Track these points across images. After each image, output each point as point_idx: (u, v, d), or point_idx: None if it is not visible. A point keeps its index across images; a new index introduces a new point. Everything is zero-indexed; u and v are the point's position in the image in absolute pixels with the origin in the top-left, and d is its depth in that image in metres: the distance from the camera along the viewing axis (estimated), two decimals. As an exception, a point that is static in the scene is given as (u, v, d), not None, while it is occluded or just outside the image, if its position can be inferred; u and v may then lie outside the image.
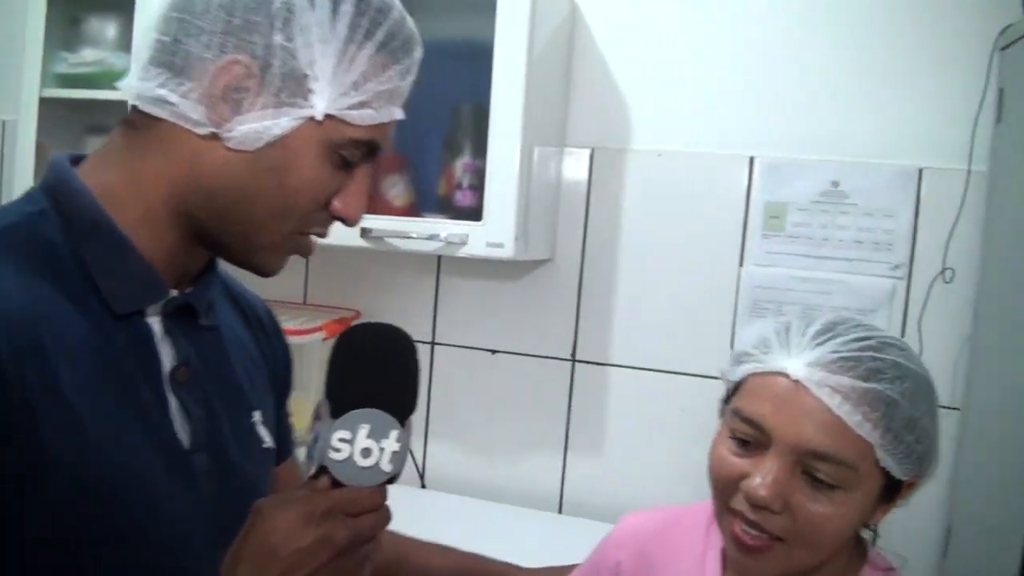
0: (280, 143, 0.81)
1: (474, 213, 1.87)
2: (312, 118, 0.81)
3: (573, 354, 2.13)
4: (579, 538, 1.96)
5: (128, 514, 0.77)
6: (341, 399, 0.81)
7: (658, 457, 2.07)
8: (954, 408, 1.84)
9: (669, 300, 2.04)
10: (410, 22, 0.88)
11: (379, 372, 0.83)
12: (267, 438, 0.97)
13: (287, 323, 2.02)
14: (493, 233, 1.83)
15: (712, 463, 0.97)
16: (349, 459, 0.79)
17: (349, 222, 0.88)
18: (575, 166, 2.10)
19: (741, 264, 1.98)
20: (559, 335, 2.14)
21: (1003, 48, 1.74)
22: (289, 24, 0.79)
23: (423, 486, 2.25)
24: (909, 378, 0.93)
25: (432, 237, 1.86)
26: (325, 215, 0.87)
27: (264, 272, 0.88)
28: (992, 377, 1.69)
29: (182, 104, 0.80)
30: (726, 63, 1.99)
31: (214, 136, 0.81)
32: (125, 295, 0.81)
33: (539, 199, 1.97)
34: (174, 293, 0.86)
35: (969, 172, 1.80)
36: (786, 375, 0.91)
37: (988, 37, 1.76)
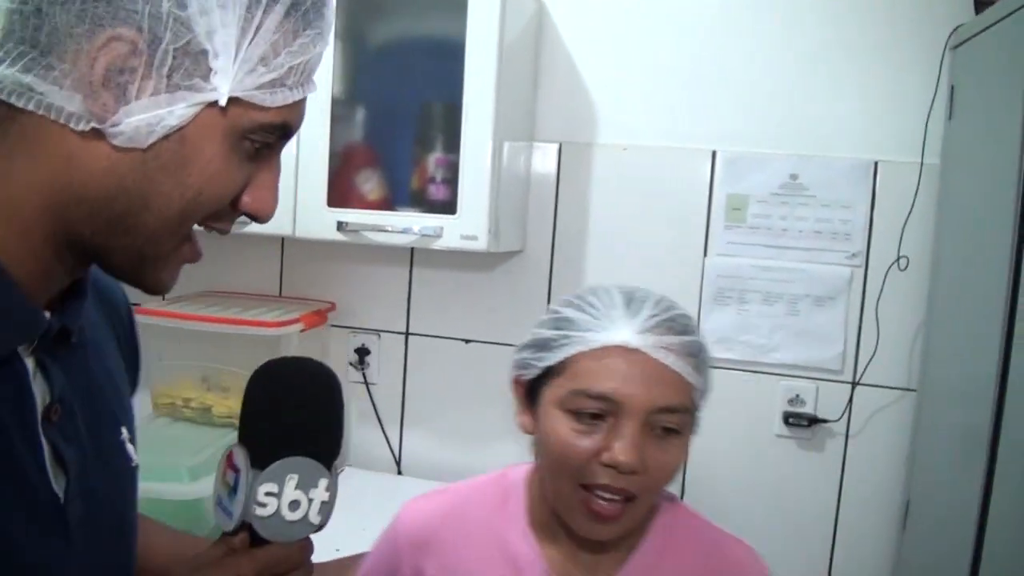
0: (176, 135, 0.66)
1: (448, 207, 1.92)
2: (215, 103, 0.66)
3: (544, 343, 2.20)
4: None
5: None
6: (262, 446, 0.73)
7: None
8: (911, 389, 1.94)
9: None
10: None
11: (303, 414, 0.75)
12: (133, 455, 0.84)
13: (264, 316, 2.07)
14: (467, 226, 1.89)
15: (559, 448, 0.98)
16: (276, 514, 0.73)
17: (261, 219, 0.73)
18: (544, 160, 2.17)
19: (705, 254, 2.05)
20: (531, 324, 2.20)
21: (955, 47, 1.82)
22: None
23: (399, 472, 2.31)
24: (696, 324, 1.05)
25: (407, 230, 1.91)
26: (228, 212, 0.72)
27: (155, 291, 0.72)
28: (946, 360, 1.78)
29: (52, 93, 0.63)
30: (688, 60, 2.06)
31: (96, 133, 0.64)
32: (8, 336, 0.67)
33: (510, 192, 2.02)
34: (47, 315, 0.70)
35: (922, 165, 1.90)
36: (623, 346, 0.96)
37: (940, 36, 1.85)
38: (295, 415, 0.75)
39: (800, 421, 2.01)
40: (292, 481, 0.73)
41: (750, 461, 2.07)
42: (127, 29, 0.62)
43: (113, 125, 0.64)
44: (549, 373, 1.01)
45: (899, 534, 1.93)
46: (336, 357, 2.31)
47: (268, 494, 0.72)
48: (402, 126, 2.08)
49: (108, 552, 0.75)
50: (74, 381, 0.73)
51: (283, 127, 0.70)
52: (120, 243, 0.68)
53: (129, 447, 0.83)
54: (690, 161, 2.06)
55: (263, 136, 0.69)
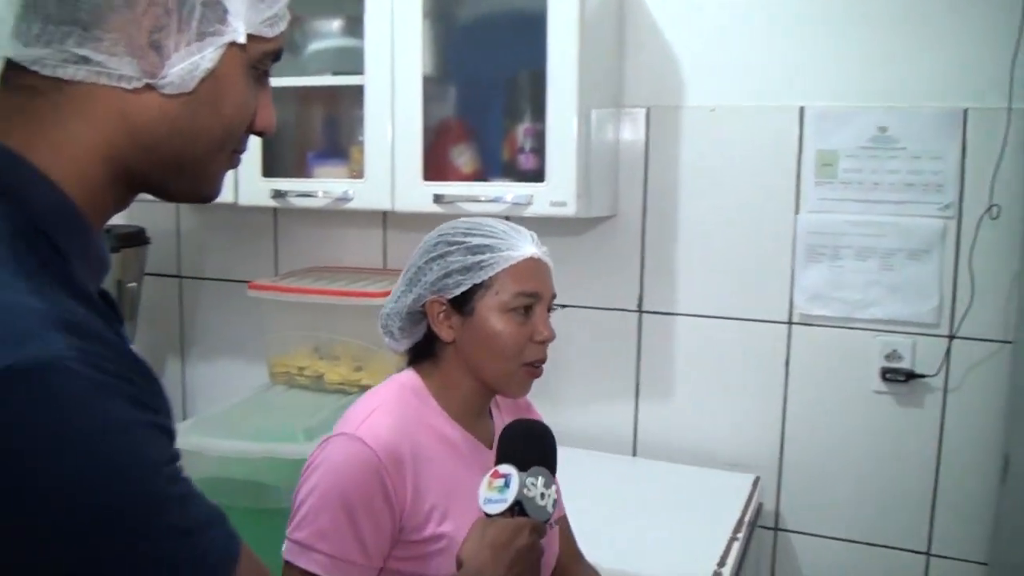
0: (211, 76, 0.77)
1: (537, 175, 2.01)
2: (234, 42, 0.78)
3: (639, 305, 2.26)
4: (653, 479, 2.13)
5: None
6: (523, 461, 1.18)
7: (725, 399, 2.20)
8: (1008, 342, 1.93)
9: (729, 249, 2.16)
10: None
11: (544, 449, 1.24)
12: None
13: (369, 287, 2.20)
14: (556, 193, 1.97)
15: (505, 340, 1.28)
16: (534, 498, 1.16)
17: (268, 134, 0.87)
18: (633, 125, 2.22)
19: (797, 212, 2.08)
20: (625, 287, 2.28)
21: (1043, -14, 1.80)
22: None
23: (502, 435, 2.42)
24: None
25: (498, 199, 2.00)
26: (246, 135, 0.86)
27: (208, 199, 0.87)
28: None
29: (107, 61, 0.73)
30: (773, 16, 2.07)
31: (146, 87, 0.75)
32: (93, 273, 0.79)
33: (599, 158, 2.09)
34: None
35: (1010, 111, 1.87)
36: (532, 257, 1.31)
37: (1027, -25, 1.83)
38: (541, 447, 1.24)
39: (897, 376, 2.02)
40: (542, 479, 1.18)
41: (848, 418, 2.09)
42: None
43: (162, 78, 0.75)
44: (477, 288, 1.29)
45: (998, 488, 1.93)
46: (439, 325, 2.42)
47: (532, 484, 1.16)
48: (491, 99, 2.18)
49: None
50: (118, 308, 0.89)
51: (278, 52, 0.84)
52: (175, 175, 0.81)
53: None
54: (778, 119, 2.08)
55: (265, 63, 0.83)
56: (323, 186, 2.22)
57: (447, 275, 1.29)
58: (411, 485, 1.23)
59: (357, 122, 2.20)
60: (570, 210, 1.96)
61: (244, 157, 2.12)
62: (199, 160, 0.81)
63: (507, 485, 1.16)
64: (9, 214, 0.71)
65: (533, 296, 1.30)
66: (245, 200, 2.27)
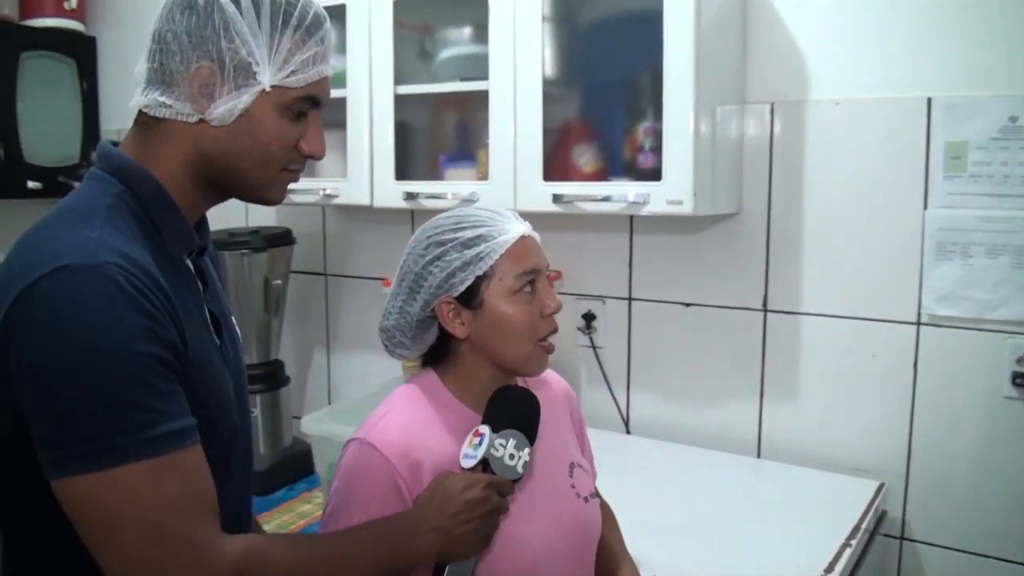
0: (247, 114, 1.13)
1: (655, 174, 2.03)
2: (263, 90, 1.13)
3: (764, 304, 2.25)
4: (775, 481, 2.12)
5: (212, 381, 1.14)
6: (499, 423, 1.28)
7: (851, 401, 2.16)
8: None
9: (856, 247, 2.12)
10: (316, 2, 1.18)
11: (523, 415, 1.31)
12: (236, 327, 1.33)
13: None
14: (672, 191, 1.98)
15: (519, 322, 1.33)
16: (502, 458, 1.25)
17: (316, 156, 1.21)
18: (757, 121, 2.22)
19: (925, 207, 2.02)
20: (750, 286, 2.27)
21: None
22: (228, 31, 1.11)
23: (628, 432, 2.46)
24: None
25: (615, 199, 2.05)
26: (297, 155, 1.19)
27: (270, 203, 1.23)
28: None
29: (176, 104, 1.12)
30: (897, 5, 2.03)
31: (202, 121, 1.13)
32: (179, 245, 1.17)
33: (721, 155, 2.10)
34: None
35: None
36: (522, 235, 1.35)
37: None
38: (517, 411, 1.31)
39: (1031, 381, 1.93)
40: (513, 441, 1.27)
41: (977, 425, 2.02)
42: (206, 61, 1.12)
43: (210, 115, 1.13)
44: (480, 280, 1.33)
45: None
46: (564, 322, 2.46)
47: (500, 444, 1.26)
48: (612, 99, 2.22)
49: (238, 371, 1.27)
50: (209, 277, 1.26)
51: (311, 98, 1.17)
52: (234, 181, 1.18)
53: (232, 319, 1.32)
54: (905, 111, 2.03)
55: (300, 105, 1.17)
56: (451, 188, 2.32)
57: (450, 275, 1.33)
58: (426, 483, 1.28)
59: (484, 126, 2.28)
60: (686, 208, 1.97)
61: (379, 159, 2.33)
62: (248, 171, 1.17)
63: (480, 443, 1.25)
64: (131, 199, 1.13)
65: (533, 272, 1.35)
66: (379, 202, 2.40)
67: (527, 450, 1.27)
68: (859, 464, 2.15)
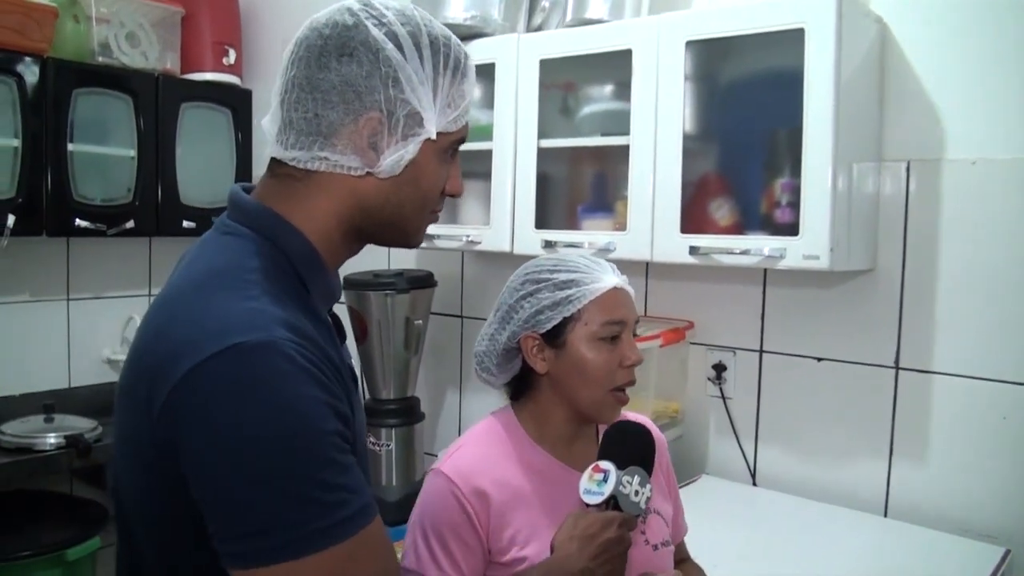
0: (412, 162, 1.11)
1: (792, 228, 2.13)
2: (429, 138, 1.11)
3: (896, 361, 2.32)
4: (904, 542, 2.16)
5: (361, 438, 1.14)
6: (621, 460, 1.33)
7: (980, 464, 2.19)
8: None
9: (989, 307, 2.17)
10: (457, 40, 1.16)
11: (643, 451, 1.37)
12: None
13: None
14: (809, 246, 2.08)
15: (596, 367, 1.42)
16: (628, 495, 1.31)
17: (457, 195, 1.20)
18: (893, 179, 2.30)
19: (1063, 268, 2.07)
20: (882, 343, 2.34)
21: None
22: (397, 80, 1.07)
23: (754, 484, 2.53)
24: None
25: (753, 252, 2.15)
26: (441, 197, 1.18)
27: (414, 246, 1.23)
28: None
29: (340, 158, 1.08)
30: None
31: (367, 174, 1.09)
32: (324, 301, 1.15)
33: (857, 212, 2.19)
34: None
35: None
36: (615, 287, 1.45)
37: None
38: (641, 449, 1.37)
39: None
40: (637, 478, 1.32)
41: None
42: (374, 112, 1.08)
43: (378, 168, 1.10)
44: (567, 321, 1.43)
45: None
46: (694, 372, 2.60)
47: (627, 481, 1.31)
48: (751, 155, 2.34)
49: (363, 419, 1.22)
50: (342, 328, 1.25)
51: (463, 138, 1.17)
52: (389, 231, 1.16)
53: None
54: (1043, 171, 2.10)
55: (453, 148, 1.16)
56: (588, 237, 2.46)
57: (539, 312, 1.43)
58: (494, 513, 1.39)
59: (622, 178, 2.42)
60: (823, 263, 2.06)
61: (520, 208, 2.48)
62: (407, 220, 1.16)
63: (605, 480, 1.30)
64: (277, 256, 1.09)
65: (620, 324, 1.43)
66: (519, 249, 2.57)
67: (649, 486, 1.33)
68: (986, 529, 2.17)
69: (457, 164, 1.19)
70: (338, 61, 1.07)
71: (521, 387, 1.53)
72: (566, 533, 1.29)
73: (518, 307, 1.46)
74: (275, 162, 1.13)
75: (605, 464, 1.32)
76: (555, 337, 1.44)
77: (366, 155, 1.08)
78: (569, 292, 1.43)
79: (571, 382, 1.45)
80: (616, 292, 1.45)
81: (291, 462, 0.93)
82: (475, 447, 1.48)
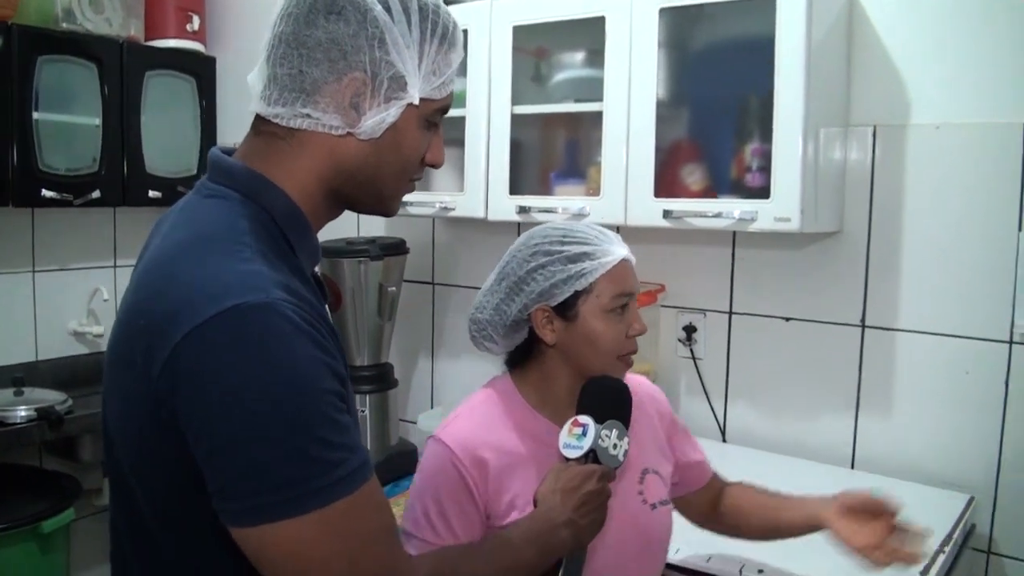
0: (392, 127, 1.11)
1: (763, 192, 2.21)
2: (411, 103, 1.11)
3: (863, 320, 2.42)
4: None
5: (351, 397, 1.11)
6: (600, 413, 1.37)
7: (943, 417, 2.31)
8: None
9: (952, 266, 2.28)
10: (447, 9, 1.16)
11: (620, 404, 1.41)
12: None
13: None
14: (780, 209, 2.16)
15: (607, 339, 1.47)
16: (607, 448, 1.35)
17: (437, 165, 1.21)
18: (859, 143, 2.40)
19: (1020, 228, 2.17)
20: (849, 302, 2.44)
21: None
22: (383, 41, 1.08)
23: (724, 440, 2.63)
24: None
25: (724, 215, 2.23)
26: (421, 166, 1.19)
27: (389, 214, 1.22)
28: None
29: (322, 116, 1.09)
30: (997, 32, 2.18)
31: (347, 134, 1.10)
32: (310, 262, 1.16)
33: (825, 176, 2.27)
34: None
35: None
36: (624, 259, 1.48)
37: None
38: (618, 402, 1.41)
39: None
40: (615, 431, 1.36)
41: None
42: (358, 72, 1.08)
43: (359, 128, 1.10)
44: (579, 294, 1.46)
45: None
46: (666, 334, 2.68)
47: (606, 435, 1.35)
48: (722, 121, 2.41)
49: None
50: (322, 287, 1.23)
51: (446, 108, 1.18)
52: (365, 193, 1.17)
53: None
54: (1001, 135, 2.19)
55: (435, 116, 1.17)
56: (562, 203, 2.52)
57: (553, 285, 1.45)
58: (492, 479, 1.44)
59: (595, 144, 2.49)
60: (794, 225, 2.13)
61: (494, 175, 2.51)
62: (385, 184, 1.17)
63: (584, 434, 1.35)
64: (263, 216, 1.10)
65: (628, 296, 1.48)
66: (493, 216, 2.62)
67: (626, 439, 1.37)
68: (950, 478, 2.28)
69: (440, 134, 1.20)
70: (326, 19, 1.08)
71: (523, 356, 1.56)
72: (548, 486, 1.33)
73: (529, 279, 1.47)
74: (259, 119, 1.14)
75: (584, 419, 1.36)
76: (567, 309, 1.47)
77: (347, 115, 1.09)
78: (582, 266, 1.45)
79: (581, 351, 1.48)
80: (624, 264, 1.49)
81: (291, 420, 0.95)
82: (474, 415, 1.52)
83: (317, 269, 1.24)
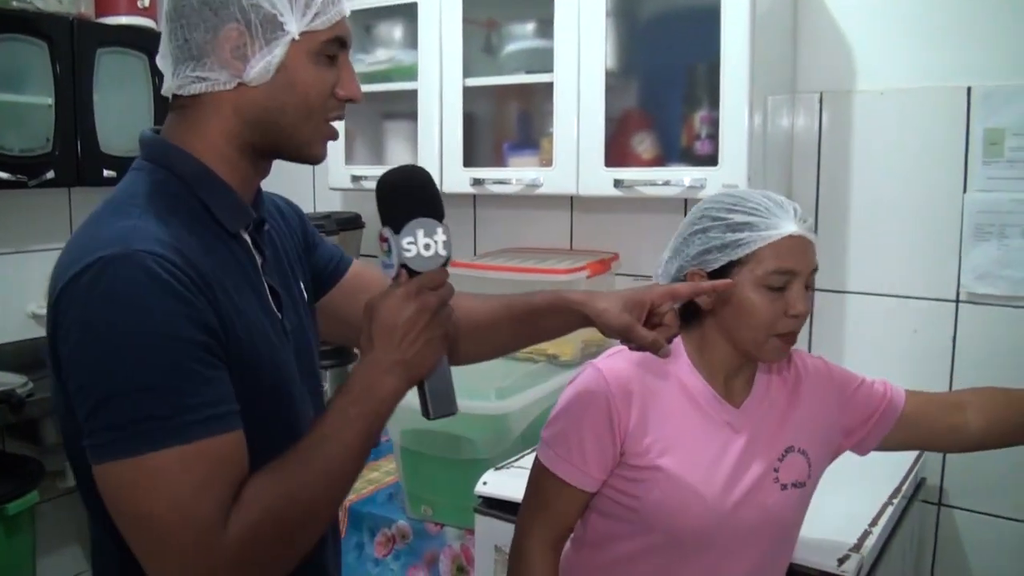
0: (282, 68, 1.12)
1: (711, 159, 2.25)
2: (292, 40, 1.12)
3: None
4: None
5: (268, 357, 1.15)
6: (397, 220, 1.15)
7: (894, 374, 2.33)
8: None
9: (899, 229, 2.33)
10: None
11: (414, 196, 1.17)
12: (306, 294, 1.34)
13: (555, 265, 2.51)
14: (728, 175, 2.20)
15: (759, 314, 1.40)
16: (417, 254, 1.14)
17: (354, 99, 1.19)
18: (807, 110, 2.44)
19: (964, 191, 2.23)
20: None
21: None
22: None
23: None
24: None
25: (674, 183, 2.27)
26: (336, 103, 1.18)
27: (315, 160, 1.21)
28: None
29: (211, 74, 1.12)
30: (941, -1, 2.23)
31: (240, 84, 1.12)
32: (235, 221, 1.16)
33: (773, 142, 2.32)
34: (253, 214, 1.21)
35: None
36: (792, 235, 1.41)
37: None
38: (410, 198, 1.17)
39: (1069, 353, 2.12)
40: (420, 231, 1.15)
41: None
42: (231, 23, 1.10)
43: (247, 76, 1.12)
44: (734, 263, 1.42)
45: None
46: (621, 301, 2.71)
47: (409, 243, 1.14)
48: (671, 90, 2.44)
49: (307, 355, 1.29)
50: (271, 249, 1.26)
51: (338, 39, 1.16)
52: (279, 140, 1.17)
53: (305, 291, 1.34)
54: (946, 99, 2.23)
55: (328, 48, 1.15)
56: (516, 174, 2.55)
57: (707, 251, 1.43)
58: (636, 417, 1.44)
59: (547, 115, 2.51)
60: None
61: (448, 147, 2.50)
62: (293, 127, 1.16)
63: (389, 250, 1.17)
64: (170, 179, 1.13)
65: (789, 273, 1.40)
66: (448, 188, 2.63)
67: (440, 228, 1.17)
68: (901, 433, 2.34)
69: (348, 67, 1.20)
70: None
71: (687, 315, 1.50)
72: (365, 334, 1.16)
73: (689, 242, 1.46)
74: (174, 98, 1.18)
75: (385, 231, 1.17)
76: (721, 277, 1.43)
77: (233, 66, 1.11)
78: (740, 236, 1.41)
79: (733, 322, 1.44)
80: (792, 240, 1.42)
81: (135, 366, 0.98)
82: (633, 356, 1.48)
83: (267, 227, 1.26)
